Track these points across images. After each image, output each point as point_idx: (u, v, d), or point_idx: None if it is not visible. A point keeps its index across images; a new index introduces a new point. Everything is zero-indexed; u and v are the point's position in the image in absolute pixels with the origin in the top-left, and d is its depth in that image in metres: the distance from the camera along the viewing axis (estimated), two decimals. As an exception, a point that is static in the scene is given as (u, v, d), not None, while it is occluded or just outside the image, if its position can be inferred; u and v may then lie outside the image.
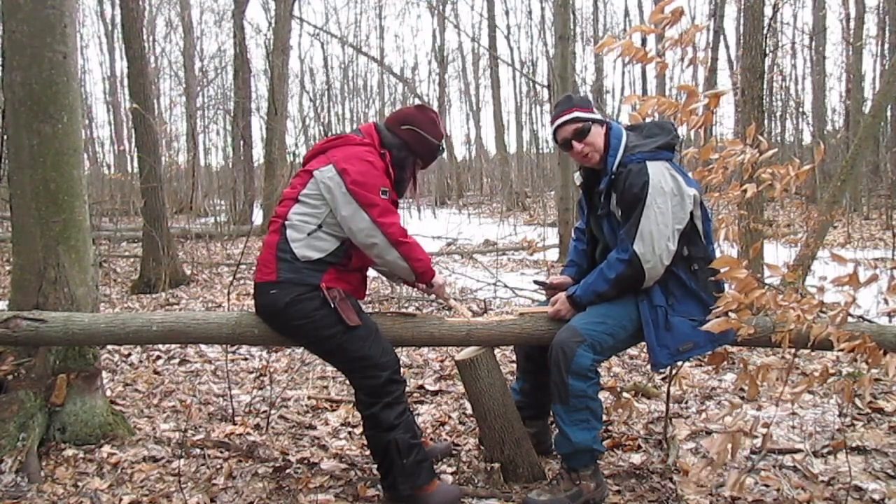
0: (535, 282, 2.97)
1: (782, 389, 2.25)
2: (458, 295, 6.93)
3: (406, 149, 2.61)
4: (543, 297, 2.96)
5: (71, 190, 2.91)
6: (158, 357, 4.71)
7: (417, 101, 19.91)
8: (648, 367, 2.65)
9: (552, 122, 2.66)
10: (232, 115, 18.17)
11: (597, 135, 2.59)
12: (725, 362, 3.64)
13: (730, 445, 2.16)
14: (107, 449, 2.92)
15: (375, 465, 2.56)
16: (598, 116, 2.61)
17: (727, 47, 18.49)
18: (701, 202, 2.56)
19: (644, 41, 13.14)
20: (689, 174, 2.62)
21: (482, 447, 2.85)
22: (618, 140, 2.57)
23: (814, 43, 18.52)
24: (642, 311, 2.48)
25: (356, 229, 2.43)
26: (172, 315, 2.83)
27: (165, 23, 24.47)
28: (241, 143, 16.47)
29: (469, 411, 3.31)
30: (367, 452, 2.75)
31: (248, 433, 3.25)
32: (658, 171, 2.45)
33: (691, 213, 2.50)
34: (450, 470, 2.83)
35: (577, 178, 2.79)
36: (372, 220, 2.41)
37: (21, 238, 2.90)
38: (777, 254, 7.32)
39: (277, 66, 11.93)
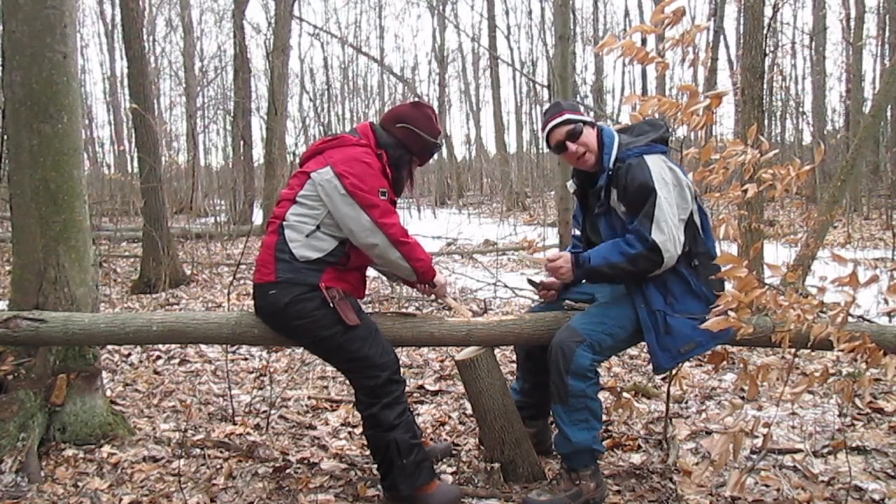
0: (529, 280, 2.96)
1: (783, 389, 2.25)
2: (458, 295, 6.93)
3: (402, 147, 2.59)
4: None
5: (71, 190, 2.91)
6: (158, 357, 4.71)
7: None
8: (649, 367, 2.65)
9: (544, 128, 2.65)
10: (232, 115, 18.17)
11: (589, 135, 2.59)
12: (725, 362, 3.64)
13: (731, 446, 2.16)
14: (107, 449, 2.92)
15: (375, 465, 2.56)
16: (588, 119, 2.62)
17: (727, 47, 18.50)
18: (696, 197, 2.56)
19: (644, 41, 13.11)
20: (690, 175, 2.62)
21: (482, 447, 2.85)
22: (610, 139, 2.58)
23: (814, 43, 18.51)
24: (641, 317, 2.46)
25: (357, 230, 2.43)
26: (172, 315, 2.83)
27: (165, 23, 24.51)
28: (241, 143, 16.47)
29: (469, 411, 3.31)
30: (367, 452, 2.75)
31: (248, 433, 3.25)
32: (657, 164, 2.46)
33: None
34: (450, 470, 2.83)
35: (571, 185, 2.76)
36: (373, 221, 2.41)
37: (21, 238, 2.90)
38: (777, 254, 7.32)
39: (277, 66, 11.93)
